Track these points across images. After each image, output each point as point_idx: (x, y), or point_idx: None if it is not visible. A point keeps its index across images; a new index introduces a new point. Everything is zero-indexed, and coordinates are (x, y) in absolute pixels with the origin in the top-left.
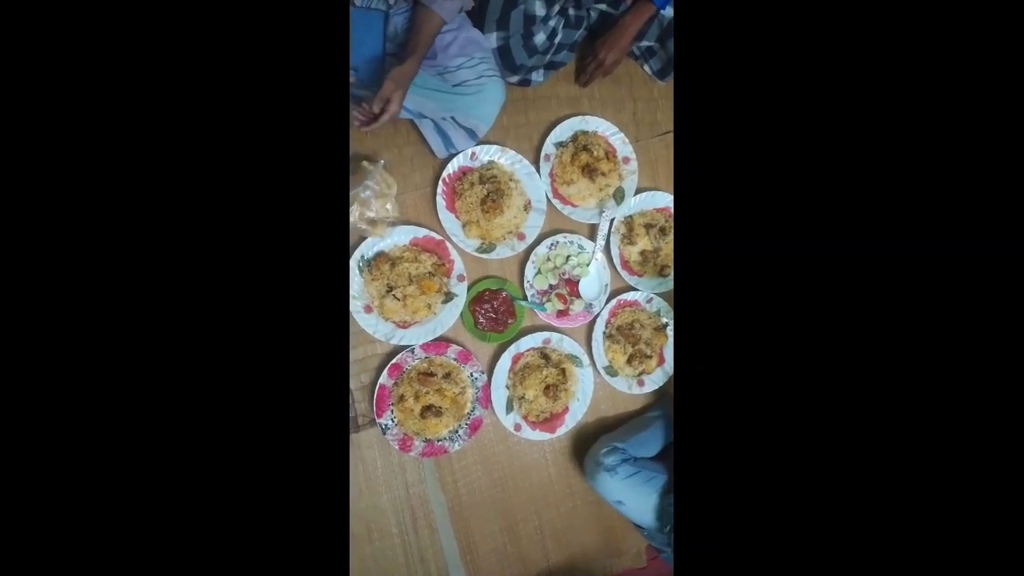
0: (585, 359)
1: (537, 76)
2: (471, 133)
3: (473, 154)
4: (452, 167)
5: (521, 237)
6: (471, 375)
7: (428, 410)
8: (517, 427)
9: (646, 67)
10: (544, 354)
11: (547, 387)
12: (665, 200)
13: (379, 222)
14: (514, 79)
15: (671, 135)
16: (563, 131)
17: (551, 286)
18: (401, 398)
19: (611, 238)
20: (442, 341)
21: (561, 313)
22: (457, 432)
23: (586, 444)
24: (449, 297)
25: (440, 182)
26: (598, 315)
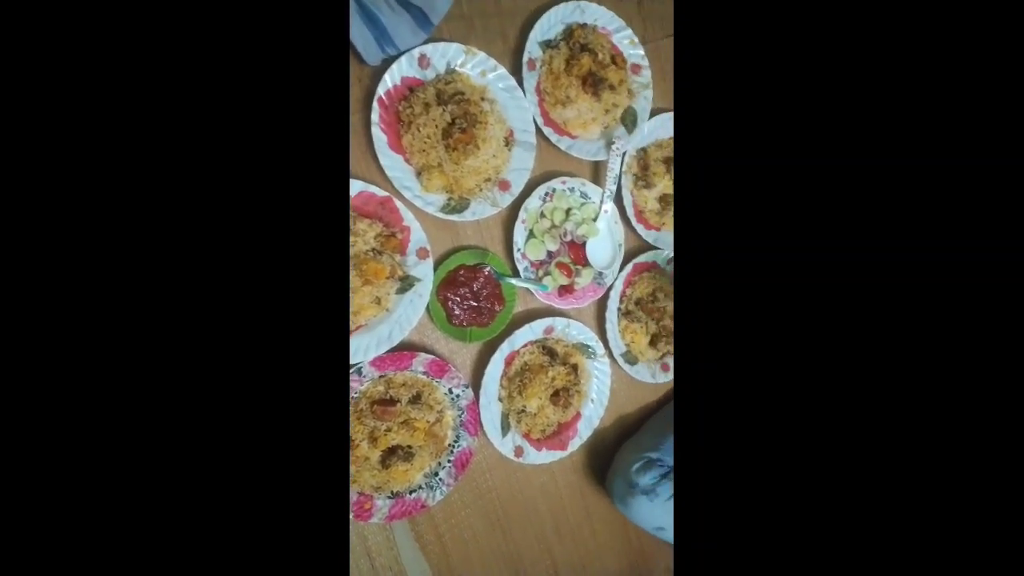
0: (599, 347)
1: None
2: (421, 17)
3: (423, 58)
4: (391, 79)
5: (504, 186)
6: (450, 392)
7: (392, 454)
8: (519, 451)
9: None
10: (547, 348)
11: (555, 392)
12: None
13: None
14: None
15: None
16: (551, 24)
17: (550, 253)
18: (350, 443)
19: (621, 180)
20: (403, 350)
21: (565, 290)
22: (437, 475)
23: (602, 453)
24: (407, 283)
25: (376, 104)
26: (611, 287)
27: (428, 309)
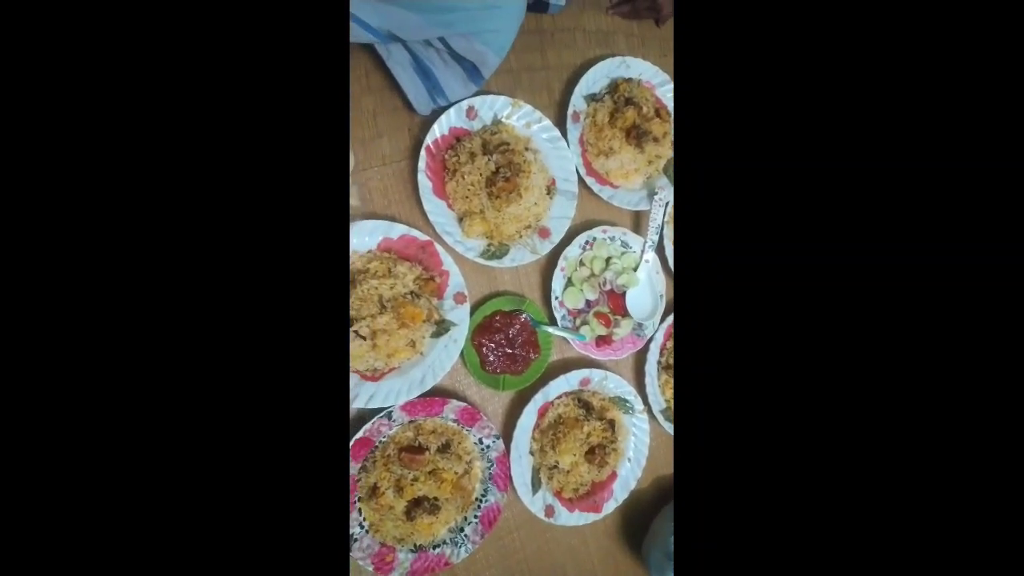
0: (638, 402)
1: None
2: (472, 71)
3: (471, 110)
4: (440, 129)
5: (545, 233)
6: (480, 442)
7: (417, 505)
8: (549, 510)
9: None
10: (583, 401)
11: (590, 450)
12: None
13: None
14: None
15: None
16: (596, 78)
17: (588, 302)
18: (374, 490)
19: (663, 231)
20: (435, 396)
21: (603, 340)
22: (463, 531)
23: (638, 517)
24: (443, 327)
25: (424, 152)
26: (651, 339)
27: (462, 355)
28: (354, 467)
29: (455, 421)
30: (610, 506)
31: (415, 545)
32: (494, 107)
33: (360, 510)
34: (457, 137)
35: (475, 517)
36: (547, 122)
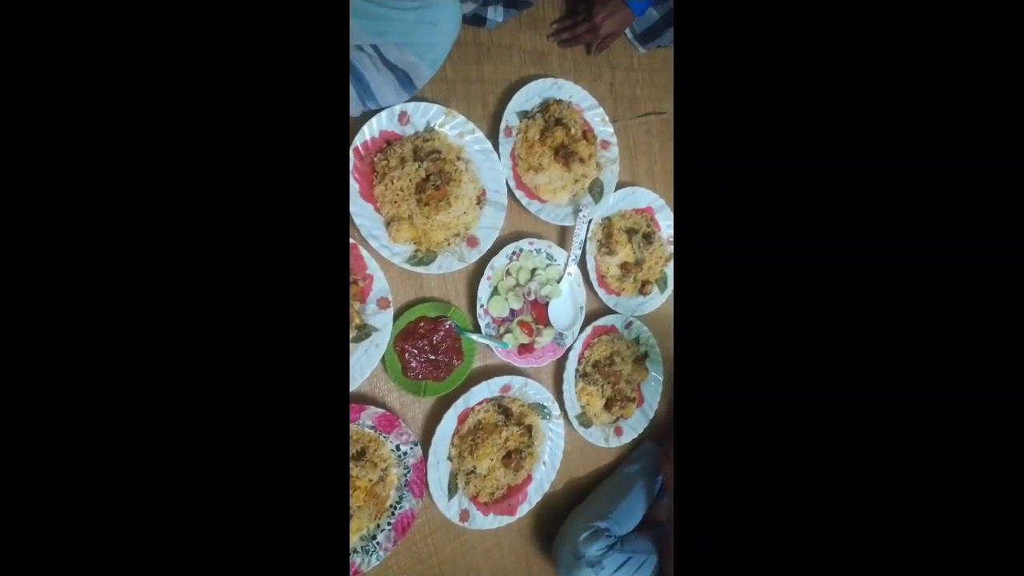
0: (555, 408)
1: (495, 14)
2: (404, 79)
3: (404, 115)
4: (370, 131)
5: (473, 242)
6: (398, 449)
7: None
8: (464, 515)
9: (627, 29)
10: (503, 407)
11: (507, 454)
12: (648, 199)
13: None
14: (466, 9)
15: (653, 118)
16: (529, 96)
17: (512, 311)
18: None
19: (586, 246)
20: (353, 402)
21: (525, 348)
22: (375, 539)
23: (551, 518)
24: (364, 332)
25: (352, 154)
26: (570, 348)
27: (383, 360)
28: None
29: (372, 428)
30: (524, 508)
31: None
32: (427, 114)
33: None
34: (388, 141)
35: (388, 524)
36: (480, 134)
